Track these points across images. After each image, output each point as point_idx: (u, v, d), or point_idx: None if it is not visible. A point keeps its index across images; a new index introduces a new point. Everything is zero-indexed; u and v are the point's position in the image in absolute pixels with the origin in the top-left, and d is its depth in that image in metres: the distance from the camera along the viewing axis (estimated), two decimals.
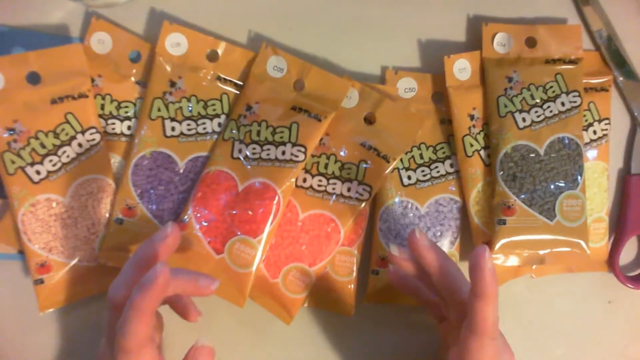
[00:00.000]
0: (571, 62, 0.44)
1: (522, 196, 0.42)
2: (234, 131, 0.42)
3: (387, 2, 0.47)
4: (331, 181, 0.42)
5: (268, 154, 0.41)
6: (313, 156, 0.42)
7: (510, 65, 0.44)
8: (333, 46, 0.46)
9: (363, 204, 0.41)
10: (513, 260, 0.43)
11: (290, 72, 0.43)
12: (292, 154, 0.40)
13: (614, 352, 0.47)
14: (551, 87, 0.44)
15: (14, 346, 0.42)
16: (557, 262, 0.43)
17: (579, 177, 0.43)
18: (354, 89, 0.43)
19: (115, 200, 0.42)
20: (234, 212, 0.40)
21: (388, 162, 0.42)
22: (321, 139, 0.42)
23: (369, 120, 0.43)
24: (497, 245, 0.42)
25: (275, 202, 0.40)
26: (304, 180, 0.42)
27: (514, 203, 0.42)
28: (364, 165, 0.42)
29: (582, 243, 0.43)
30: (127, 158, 0.42)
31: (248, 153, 0.41)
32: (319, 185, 0.42)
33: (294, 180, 0.41)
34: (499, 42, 0.45)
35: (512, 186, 0.42)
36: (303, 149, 0.40)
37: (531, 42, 0.45)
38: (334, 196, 0.41)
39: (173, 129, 0.42)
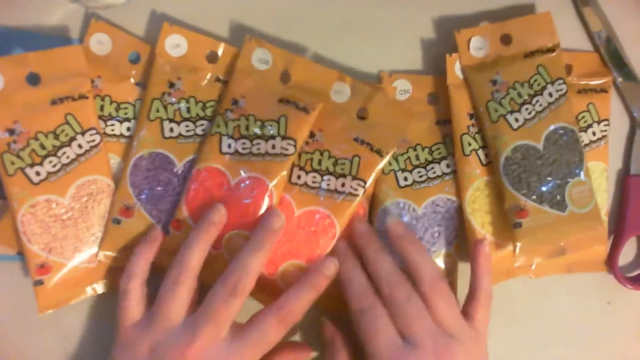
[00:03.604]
0: (549, 50, 0.44)
1: (532, 196, 0.42)
2: (220, 126, 0.42)
3: (385, 4, 0.47)
4: (325, 177, 0.42)
5: (258, 149, 0.41)
6: (307, 152, 0.42)
7: (492, 67, 0.44)
8: (330, 48, 0.46)
9: (357, 199, 0.41)
10: (535, 259, 0.43)
11: (276, 64, 0.43)
12: (282, 148, 0.40)
13: (614, 352, 0.47)
14: (535, 80, 0.44)
15: (13, 347, 0.43)
16: (577, 248, 0.43)
17: (582, 163, 0.43)
18: (346, 84, 0.43)
19: (114, 201, 0.42)
20: (228, 207, 0.40)
21: (382, 156, 0.42)
22: (314, 135, 0.42)
23: (362, 115, 0.43)
24: (517, 249, 0.42)
25: (267, 195, 0.40)
26: (298, 177, 0.42)
27: (525, 204, 0.42)
28: (358, 160, 0.42)
29: (596, 222, 0.43)
30: (125, 159, 0.42)
31: (238, 148, 0.41)
32: (313, 182, 0.42)
33: (285, 173, 0.41)
34: (475, 47, 0.44)
35: (519, 188, 0.42)
36: (293, 142, 0.40)
37: (506, 39, 0.45)
38: (329, 192, 0.41)
39: (172, 130, 0.42)
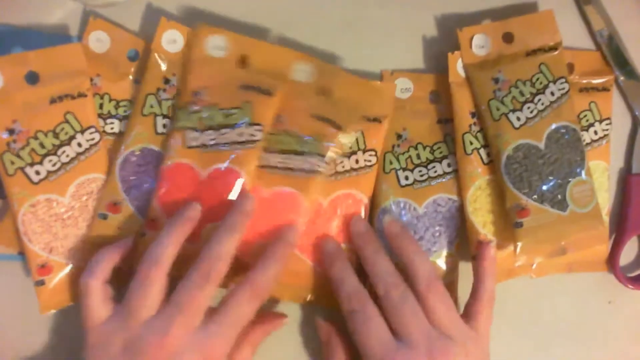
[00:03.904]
0: (551, 49, 0.44)
1: (533, 195, 0.42)
2: (183, 120, 0.41)
3: (385, 3, 0.47)
4: (290, 156, 0.41)
5: (226, 138, 0.40)
6: (271, 134, 0.41)
7: (494, 65, 0.44)
8: (331, 48, 0.46)
9: (321, 175, 0.41)
10: (536, 258, 0.43)
11: (232, 50, 0.42)
12: (249, 134, 0.40)
13: (614, 352, 0.47)
14: (537, 78, 0.44)
15: (15, 347, 0.42)
16: (578, 248, 0.43)
17: (583, 162, 0.43)
18: (306, 64, 0.42)
19: (101, 196, 0.41)
20: (202, 200, 0.39)
21: (345, 132, 0.41)
22: (279, 116, 0.41)
23: (324, 93, 0.42)
24: (518, 248, 0.42)
25: (240, 183, 0.39)
26: (265, 159, 0.41)
27: (527, 204, 0.42)
28: (323, 141, 0.41)
29: (597, 222, 0.43)
30: (114, 153, 0.42)
31: (204, 140, 0.40)
32: (279, 162, 0.41)
33: (255, 159, 0.40)
34: (478, 45, 0.44)
35: (521, 187, 0.42)
36: (260, 127, 0.40)
37: (508, 38, 0.44)
38: (294, 171, 0.41)
39: (164, 126, 0.42)
